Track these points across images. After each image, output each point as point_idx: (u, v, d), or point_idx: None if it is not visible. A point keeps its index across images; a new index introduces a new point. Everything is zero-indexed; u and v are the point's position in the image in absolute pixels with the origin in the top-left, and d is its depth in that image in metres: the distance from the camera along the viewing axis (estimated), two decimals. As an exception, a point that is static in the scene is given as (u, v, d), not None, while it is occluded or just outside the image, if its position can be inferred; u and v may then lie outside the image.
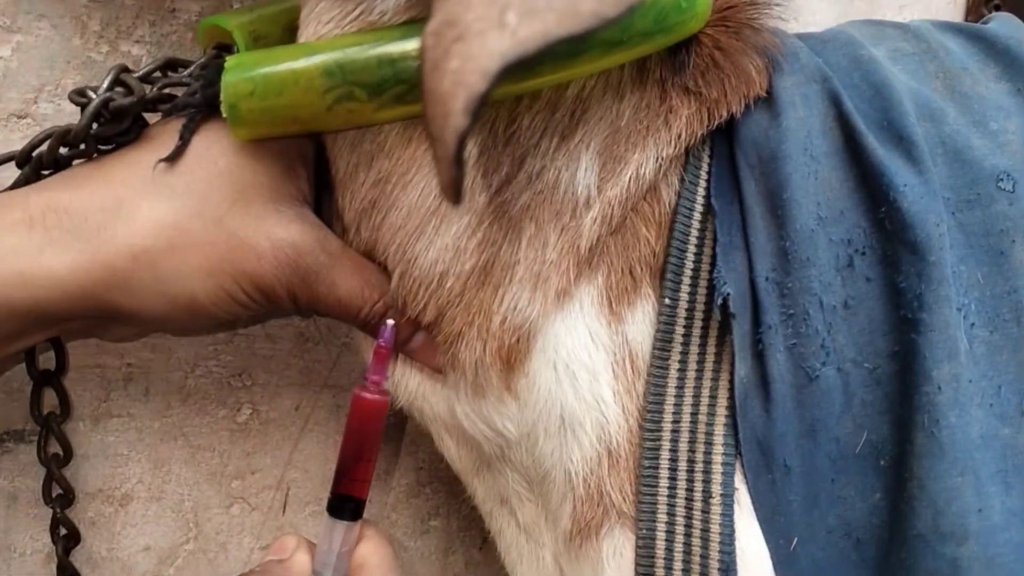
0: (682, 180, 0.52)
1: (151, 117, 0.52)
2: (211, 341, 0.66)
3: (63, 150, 0.50)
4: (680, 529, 0.51)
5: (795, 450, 0.50)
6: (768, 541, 0.50)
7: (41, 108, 0.59)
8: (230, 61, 0.47)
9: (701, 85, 0.50)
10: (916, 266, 0.48)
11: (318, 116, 0.46)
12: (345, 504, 0.49)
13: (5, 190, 0.50)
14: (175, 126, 0.49)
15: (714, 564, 0.50)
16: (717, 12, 0.50)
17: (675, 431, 0.51)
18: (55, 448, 0.60)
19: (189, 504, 0.68)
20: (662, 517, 0.51)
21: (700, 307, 0.51)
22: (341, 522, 0.49)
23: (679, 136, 0.50)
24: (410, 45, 0.45)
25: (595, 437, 0.52)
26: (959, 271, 0.50)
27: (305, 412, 0.70)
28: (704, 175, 0.52)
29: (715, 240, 0.50)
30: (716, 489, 0.50)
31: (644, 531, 0.51)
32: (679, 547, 0.51)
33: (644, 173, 0.50)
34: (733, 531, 0.50)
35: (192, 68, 0.51)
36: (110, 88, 0.49)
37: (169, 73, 0.51)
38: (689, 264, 0.51)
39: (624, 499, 0.52)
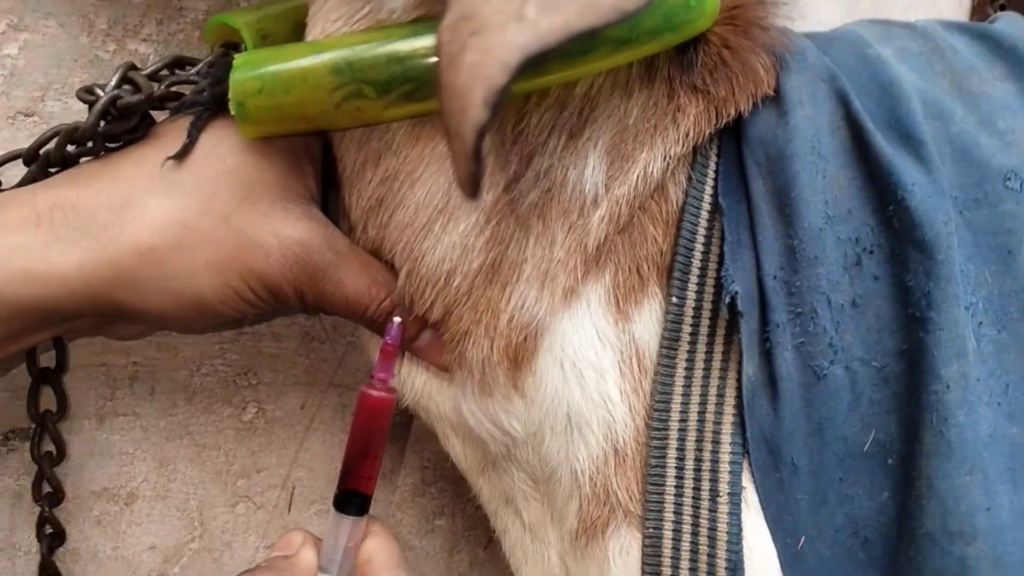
0: (690, 179, 0.52)
1: (159, 115, 0.52)
2: (217, 340, 0.66)
3: (70, 148, 0.50)
4: (687, 528, 0.51)
5: (803, 449, 0.49)
6: (775, 540, 0.50)
7: (48, 106, 0.59)
8: (238, 59, 0.47)
9: (709, 83, 0.50)
10: (924, 264, 0.48)
11: (326, 114, 0.46)
12: (351, 500, 0.49)
13: (12, 188, 0.50)
14: (183, 124, 0.49)
15: (721, 563, 0.50)
16: (725, 11, 0.50)
17: (682, 429, 0.51)
18: (49, 447, 0.60)
19: (194, 503, 0.68)
20: (669, 516, 0.51)
21: (708, 305, 0.51)
22: (347, 517, 0.49)
23: (687, 134, 0.50)
24: (419, 43, 0.45)
25: (602, 436, 0.52)
26: (967, 270, 0.50)
27: (311, 411, 0.70)
28: (712, 173, 0.52)
29: (723, 239, 0.50)
30: (723, 488, 0.50)
31: (651, 530, 0.51)
32: (686, 546, 0.50)
33: (652, 172, 0.50)
34: (740, 530, 0.50)
35: (200, 66, 0.51)
36: (118, 86, 0.49)
37: (177, 71, 0.51)
38: (697, 263, 0.51)
39: (631, 498, 0.52)
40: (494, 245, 0.49)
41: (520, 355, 0.51)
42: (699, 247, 0.51)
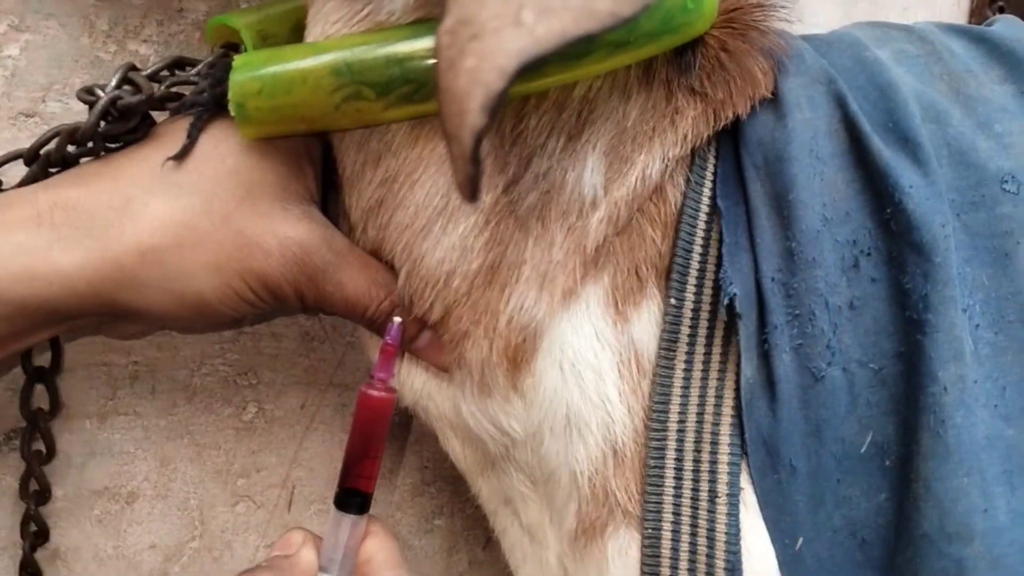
0: (688, 181, 0.52)
1: (159, 116, 0.52)
2: (217, 340, 0.66)
3: (71, 148, 0.50)
4: (686, 529, 0.51)
5: (801, 450, 0.50)
6: (773, 541, 0.50)
7: (49, 107, 0.59)
8: (238, 60, 0.47)
9: (707, 86, 0.50)
10: (922, 267, 0.48)
11: (326, 115, 0.47)
12: (352, 498, 0.49)
13: (13, 188, 0.51)
14: (183, 124, 0.49)
15: (720, 564, 0.50)
16: (723, 14, 0.50)
17: (681, 431, 0.51)
18: (39, 445, 0.60)
19: (195, 502, 0.68)
20: (668, 517, 0.51)
21: (706, 307, 0.51)
22: (348, 516, 0.49)
23: (685, 137, 0.50)
24: (418, 45, 0.45)
25: (601, 437, 0.52)
26: (964, 272, 0.50)
27: (310, 411, 0.70)
28: (710, 176, 0.52)
29: (721, 241, 0.50)
30: (722, 489, 0.50)
31: (650, 531, 0.51)
32: (685, 547, 0.51)
33: (650, 174, 0.50)
34: (739, 531, 0.50)
35: (200, 67, 0.51)
36: (118, 86, 0.49)
37: (177, 72, 0.51)
38: (695, 264, 0.51)
39: (630, 499, 0.52)
40: (493, 246, 0.49)
41: (519, 356, 0.51)
42: (697, 249, 0.51)
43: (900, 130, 0.51)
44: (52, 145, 0.50)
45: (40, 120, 0.59)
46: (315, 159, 0.52)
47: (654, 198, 0.52)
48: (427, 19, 0.46)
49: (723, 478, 0.50)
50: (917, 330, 0.48)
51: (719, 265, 0.50)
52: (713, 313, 0.51)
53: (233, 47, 0.52)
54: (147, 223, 0.47)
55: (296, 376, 0.69)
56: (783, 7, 0.53)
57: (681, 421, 0.51)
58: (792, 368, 0.49)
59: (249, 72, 0.46)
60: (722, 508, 0.50)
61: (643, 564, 0.51)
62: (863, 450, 0.50)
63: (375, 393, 0.49)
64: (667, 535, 0.51)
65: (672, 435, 0.51)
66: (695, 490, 0.50)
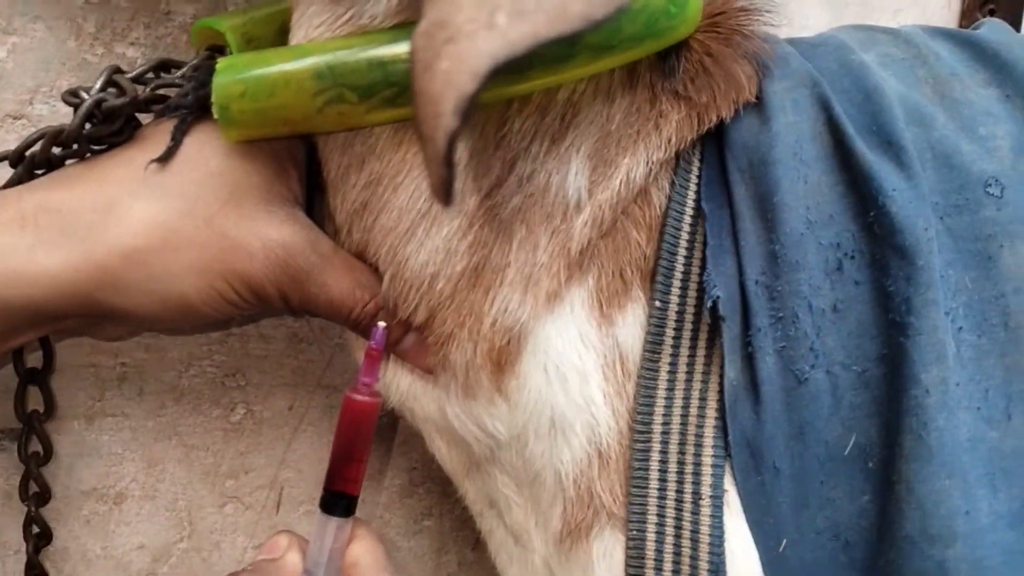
0: (673, 184, 0.52)
1: (145, 118, 0.52)
2: (205, 341, 0.67)
3: (56, 150, 0.50)
4: (670, 531, 0.51)
5: (784, 452, 0.50)
6: (757, 542, 0.50)
7: (37, 109, 0.59)
8: (222, 63, 0.47)
9: (691, 90, 0.50)
10: (904, 270, 0.48)
11: (309, 118, 0.47)
12: (337, 501, 0.49)
13: (-1, 190, 0.51)
14: (167, 127, 0.49)
15: (703, 565, 0.50)
16: (707, 18, 0.50)
17: (665, 433, 0.51)
18: (36, 447, 0.60)
19: (183, 503, 0.68)
20: (652, 519, 0.51)
21: (690, 310, 0.51)
22: (333, 519, 0.49)
23: (669, 140, 0.50)
24: (401, 48, 0.45)
25: (585, 439, 0.52)
26: (947, 275, 0.50)
27: (299, 412, 0.70)
28: (694, 179, 0.52)
29: (705, 243, 0.50)
30: (706, 491, 0.50)
31: (634, 532, 0.51)
32: (669, 548, 0.51)
33: (635, 177, 0.50)
34: (723, 532, 0.50)
35: (184, 69, 0.51)
36: (103, 89, 0.49)
37: (162, 74, 0.52)
38: (679, 267, 0.51)
39: (614, 500, 0.52)
40: (477, 249, 0.50)
41: (503, 358, 0.51)
42: (682, 252, 0.51)
43: (884, 133, 0.51)
44: (37, 147, 0.50)
45: (27, 122, 0.59)
46: (299, 162, 0.52)
47: (639, 201, 0.52)
48: (409, 23, 0.46)
49: (707, 480, 0.50)
50: (900, 333, 0.48)
51: (703, 268, 0.51)
52: (697, 316, 0.51)
53: (219, 50, 0.52)
54: (131, 225, 0.47)
55: (284, 377, 0.69)
56: (768, 11, 0.53)
57: (665, 423, 0.51)
58: (776, 370, 0.50)
59: (232, 75, 0.46)
60: (706, 510, 0.50)
61: (627, 566, 0.51)
62: (846, 452, 0.50)
63: (359, 397, 0.49)
64: (651, 537, 0.51)
65: (656, 437, 0.51)
66: (679, 492, 0.51)
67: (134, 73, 0.50)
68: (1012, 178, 0.51)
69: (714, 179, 0.52)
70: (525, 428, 0.52)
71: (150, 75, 0.51)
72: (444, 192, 0.34)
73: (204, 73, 0.49)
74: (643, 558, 0.51)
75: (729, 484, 0.50)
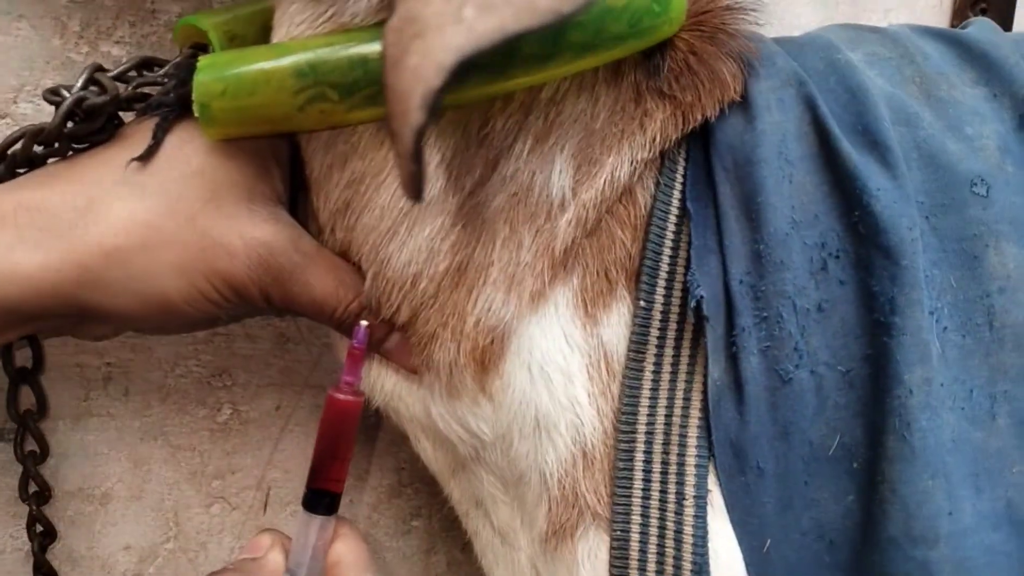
0: (657, 183, 0.52)
1: (127, 117, 0.52)
2: (191, 341, 0.66)
3: (37, 148, 0.50)
4: (654, 531, 0.51)
5: (768, 452, 0.50)
6: (741, 543, 0.50)
7: (21, 108, 0.59)
8: (203, 61, 0.47)
9: (676, 89, 0.50)
10: (889, 270, 0.48)
11: (290, 116, 0.46)
12: (320, 499, 0.49)
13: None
14: (149, 125, 0.49)
15: (687, 566, 0.50)
16: (692, 16, 0.50)
17: (649, 433, 0.51)
18: (32, 446, 0.60)
19: (169, 503, 0.68)
20: (636, 519, 0.51)
21: (675, 310, 0.51)
22: (316, 517, 0.49)
23: (654, 139, 0.50)
24: (381, 47, 0.45)
25: (570, 439, 0.52)
26: (932, 275, 0.50)
27: (286, 412, 0.70)
28: (679, 178, 0.52)
29: (690, 243, 0.50)
30: (689, 491, 0.50)
31: (618, 532, 0.51)
32: (653, 549, 0.51)
33: (619, 176, 0.50)
34: (706, 533, 0.50)
35: (167, 68, 0.51)
36: (84, 87, 0.49)
37: (144, 72, 0.51)
38: (664, 267, 0.51)
39: (599, 501, 0.52)
40: (460, 248, 0.49)
41: (487, 358, 0.51)
42: (667, 251, 0.51)
43: (869, 133, 0.51)
44: (18, 146, 0.49)
45: (11, 121, 0.59)
46: (282, 160, 0.52)
47: (623, 200, 0.52)
48: (390, 21, 0.46)
49: (691, 480, 0.50)
50: (884, 333, 0.48)
51: (688, 267, 0.50)
52: (682, 315, 0.51)
53: (203, 48, 0.52)
54: (111, 224, 0.47)
55: (271, 377, 0.69)
56: (753, 10, 0.53)
57: (650, 423, 0.51)
58: (760, 370, 0.49)
59: (213, 73, 0.46)
60: (689, 510, 0.50)
61: (612, 566, 0.51)
62: (831, 452, 0.50)
63: (342, 396, 0.49)
64: (635, 537, 0.51)
65: (641, 437, 0.51)
66: (663, 492, 0.50)
67: (116, 71, 0.50)
68: (998, 177, 0.51)
69: (699, 178, 0.52)
70: (510, 428, 0.52)
71: (132, 73, 0.51)
72: (413, 188, 0.34)
73: (185, 71, 0.49)
74: (627, 558, 0.51)
75: (713, 484, 0.50)
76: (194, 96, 0.46)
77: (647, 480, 0.51)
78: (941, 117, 0.53)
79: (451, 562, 0.77)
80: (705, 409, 0.50)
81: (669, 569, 0.50)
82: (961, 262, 0.50)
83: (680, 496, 0.50)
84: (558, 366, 0.51)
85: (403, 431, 0.58)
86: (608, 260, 0.52)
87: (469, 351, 0.51)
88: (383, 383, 0.55)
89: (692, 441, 0.50)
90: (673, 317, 0.51)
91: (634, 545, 0.51)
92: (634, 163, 0.50)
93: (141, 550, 0.68)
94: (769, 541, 0.50)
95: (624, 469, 0.51)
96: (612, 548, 0.51)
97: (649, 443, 0.51)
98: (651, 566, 0.51)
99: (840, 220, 0.50)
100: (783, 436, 0.50)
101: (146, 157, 0.48)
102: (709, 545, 0.50)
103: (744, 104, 0.52)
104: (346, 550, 0.50)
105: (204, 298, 0.49)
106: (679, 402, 0.51)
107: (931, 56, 0.56)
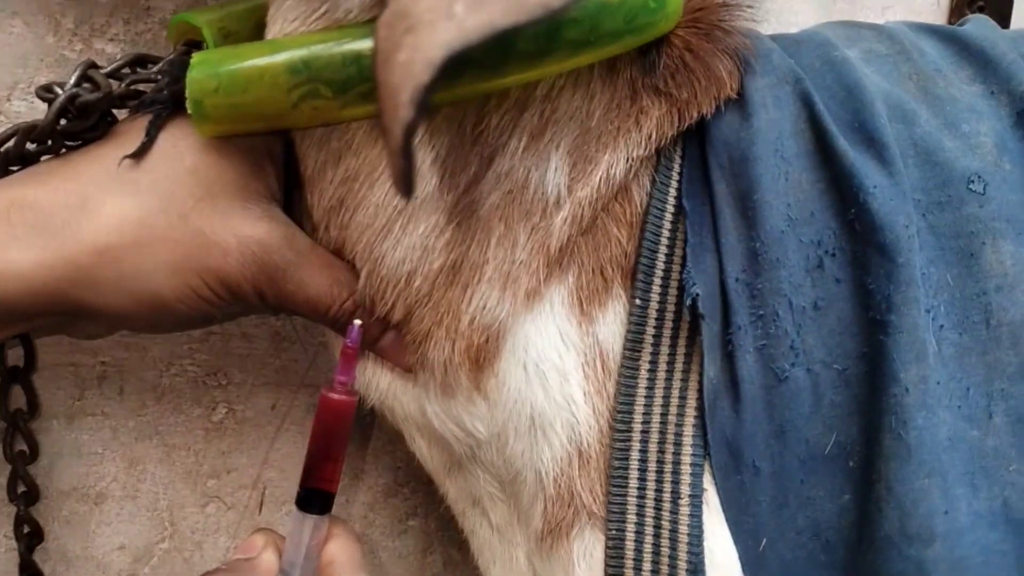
0: (653, 181, 0.52)
1: (120, 114, 0.52)
2: (186, 340, 0.66)
3: (30, 146, 0.49)
4: (649, 530, 0.50)
5: (764, 451, 0.49)
6: (737, 542, 0.50)
7: (14, 105, 0.59)
8: (196, 57, 0.47)
9: (671, 86, 0.50)
10: (885, 268, 0.48)
11: (283, 113, 0.46)
12: (314, 499, 0.49)
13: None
14: (142, 123, 0.49)
15: (682, 565, 0.49)
16: (688, 13, 0.50)
17: (645, 431, 0.51)
18: (21, 445, 0.60)
19: (164, 503, 0.68)
20: (631, 518, 0.51)
21: (671, 308, 0.51)
22: (310, 517, 0.49)
23: (650, 137, 0.50)
24: (373, 42, 0.45)
25: (565, 437, 0.52)
26: (928, 273, 0.49)
27: (281, 411, 0.70)
28: (675, 176, 0.52)
29: (686, 241, 0.50)
30: (685, 490, 0.50)
31: (614, 531, 0.51)
32: (648, 548, 0.50)
33: (615, 173, 0.50)
34: (702, 532, 0.50)
35: (160, 65, 0.50)
36: (77, 84, 0.48)
37: (137, 69, 0.51)
38: (660, 265, 0.51)
39: (594, 499, 0.52)
40: (455, 246, 0.49)
41: (482, 356, 0.51)
42: (663, 249, 0.51)
43: (866, 130, 0.50)
44: (11, 143, 0.49)
45: (5, 118, 0.59)
46: (276, 157, 0.52)
47: (619, 198, 0.51)
48: (384, 17, 0.46)
49: (686, 479, 0.50)
50: (880, 331, 0.48)
51: (684, 265, 0.50)
52: (678, 313, 0.51)
53: (197, 45, 0.52)
54: (104, 222, 0.47)
55: (267, 376, 0.69)
56: (749, 6, 0.53)
57: (645, 422, 0.51)
58: (756, 369, 0.49)
59: (206, 70, 0.46)
60: (685, 509, 0.50)
61: (607, 565, 0.51)
62: (827, 451, 0.49)
63: (336, 396, 0.49)
64: (631, 536, 0.51)
65: (636, 436, 0.51)
66: (658, 491, 0.50)
67: (109, 68, 0.50)
68: (995, 175, 0.51)
69: (695, 176, 0.52)
70: (505, 427, 0.52)
71: (126, 70, 0.51)
72: (404, 184, 0.34)
73: (179, 68, 0.49)
74: (622, 557, 0.51)
75: (708, 483, 0.50)
76: (187, 93, 0.46)
77: (643, 479, 0.51)
78: (938, 114, 0.53)
79: (447, 561, 0.77)
80: (701, 407, 0.50)
81: (664, 568, 0.50)
82: (958, 260, 0.50)
83: (676, 495, 0.50)
84: (553, 364, 0.51)
85: (398, 430, 0.58)
86: (604, 258, 0.51)
87: (464, 349, 0.50)
88: (378, 382, 0.54)
89: (688, 440, 0.50)
90: (669, 315, 0.51)
91: (629, 544, 0.51)
92: (630, 160, 0.50)
93: (136, 550, 0.67)
94: (765, 540, 0.50)
95: (619, 468, 0.51)
96: (607, 547, 0.51)
97: (645, 442, 0.51)
98: (646, 565, 0.50)
99: (836, 218, 0.50)
100: (779, 435, 0.50)
101: (139, 154, 0.48)
102: (705, 544, 0.50)
103: (740, 101, 0.52)
104: (339, 550, 0.50)
105: (197, 296, 0.49)
106: (675, 400, 0.51)
107: (928, 53, 0.56)
